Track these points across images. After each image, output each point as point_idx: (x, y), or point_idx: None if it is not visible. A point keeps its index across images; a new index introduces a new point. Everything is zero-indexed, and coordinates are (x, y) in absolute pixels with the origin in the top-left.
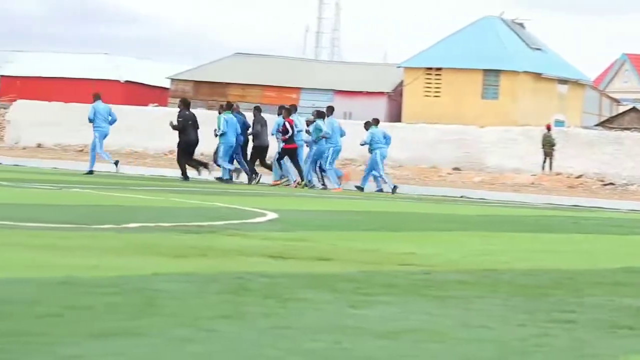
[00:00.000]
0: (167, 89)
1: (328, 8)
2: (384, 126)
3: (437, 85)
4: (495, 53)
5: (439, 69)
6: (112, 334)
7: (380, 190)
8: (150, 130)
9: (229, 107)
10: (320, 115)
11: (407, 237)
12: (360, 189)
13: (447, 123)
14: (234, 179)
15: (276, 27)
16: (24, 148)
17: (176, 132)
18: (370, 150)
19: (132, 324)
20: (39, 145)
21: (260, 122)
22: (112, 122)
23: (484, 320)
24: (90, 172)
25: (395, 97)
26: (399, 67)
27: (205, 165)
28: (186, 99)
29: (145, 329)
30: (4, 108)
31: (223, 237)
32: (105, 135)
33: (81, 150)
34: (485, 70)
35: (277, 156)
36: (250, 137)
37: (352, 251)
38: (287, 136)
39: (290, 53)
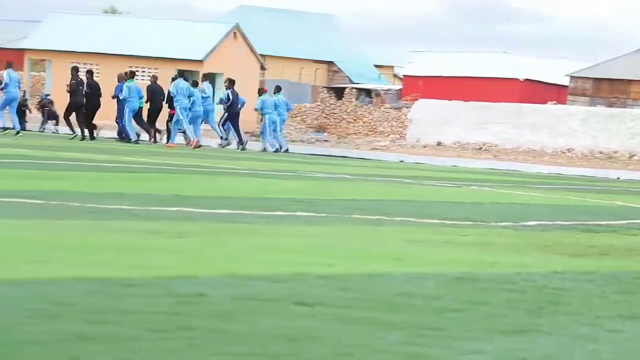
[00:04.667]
0: (566, 86)
1: None
2: None
3: None
4: None
5: None
6: (512, 330)
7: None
8: (550, 128)
9: (132, 75)
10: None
11: None
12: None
13: None
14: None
15: None
16: (424, 146)
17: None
18: (263, 115)
19: (533, 321)
20: (438, 144)
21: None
22: (19, 88)
23: None
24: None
25: None
26: None
27: (95, 129)
28: (76, 66)
29: (547, 326)
30: (407, 107)
31: (624, 237)
32: (15, 99)
33: (480, 148)
34: None
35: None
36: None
37: None
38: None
39: None
